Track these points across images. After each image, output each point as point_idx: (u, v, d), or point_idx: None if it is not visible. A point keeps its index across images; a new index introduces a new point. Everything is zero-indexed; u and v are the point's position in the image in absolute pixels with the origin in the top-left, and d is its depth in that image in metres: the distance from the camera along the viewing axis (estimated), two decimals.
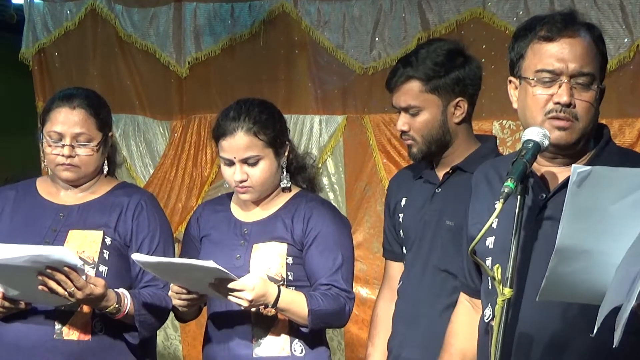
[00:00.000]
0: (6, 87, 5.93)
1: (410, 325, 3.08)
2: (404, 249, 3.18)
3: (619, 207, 1.88)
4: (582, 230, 1.91)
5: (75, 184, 3.19)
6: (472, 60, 3.10)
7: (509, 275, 2.18)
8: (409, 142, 3.09)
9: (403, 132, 3.09)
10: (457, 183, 3.04)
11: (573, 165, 1.88)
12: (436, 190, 3.08)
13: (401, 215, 3.18)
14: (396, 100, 3.08)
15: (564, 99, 2.31)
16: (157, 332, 3.31)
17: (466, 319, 2.62)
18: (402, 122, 3.07)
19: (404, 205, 3.17)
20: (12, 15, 5.80)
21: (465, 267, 2.61)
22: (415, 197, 3.14)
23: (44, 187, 3.24)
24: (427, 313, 3.04)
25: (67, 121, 3.11)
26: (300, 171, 3.26)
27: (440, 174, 3.10)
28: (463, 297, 2.66)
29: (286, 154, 3.17)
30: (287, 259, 3.08)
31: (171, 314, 3.24)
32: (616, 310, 1.88)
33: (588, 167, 1.85)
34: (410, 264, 3.14)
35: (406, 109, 3.06)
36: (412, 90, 3.03)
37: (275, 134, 3.11)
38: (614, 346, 1.87)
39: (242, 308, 2.95)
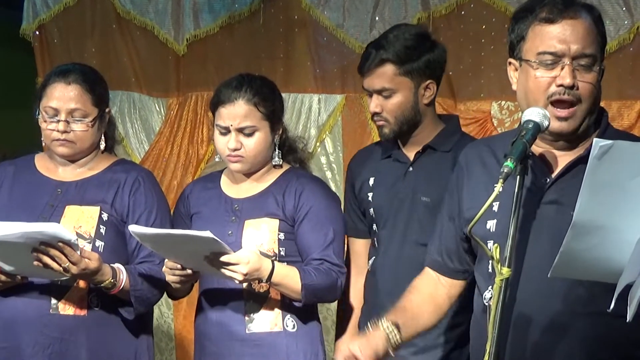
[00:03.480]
0: (6, 62, 5.91)
1: (393, 298, 3.12)
2: (374, 226, 3.30)
3: (637, 183, 1.87)
4: (599, 205, 1.91)
5: (71, 159, 3.19)
6: (438, 43, 3.27)
7: (508, 255, 2.18)
8: (381, 122, 3.23)
9: (375, 114, 3.23)
10: (428, 161, 3.22)
11: (595, 139, 1.86)
12: (408, 169, 3.22)
13: (370, 194, 3.31)
14: (369, 83, 3.22)
15: (567, 80, 2.31)
16: (152, 310, 3.32)
17: (430, 287, 2.65)
18: (375, 104, 3.22)
19: (372, 184, 3.31)
20: None
21: (441, 248, 2.63)
22: (385, 176, 3.28)
23: (42, 163, 3.25)
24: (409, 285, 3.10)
25: (62, 97, 3.11)
26: (292, 152, 3.31)
27: (410, 153, 3.25)
28: (428, 271, 2.68)
29: (280, 132, 3.20)
30: (278, 234, 3.12)
31: None
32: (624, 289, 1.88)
33: (610, 141, 1.85)
34: (386, 240, 3.26)
35: (379, 92, 3.20)
36: (386, 74, 3.18)
37: (274, 109, 3.16)
38: (627, 320, 1.88)
39: (236, 282, 2.96)
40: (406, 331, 2.52)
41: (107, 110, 3.23)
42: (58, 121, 3.11)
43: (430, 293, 2.64)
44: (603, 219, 1.92)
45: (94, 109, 3.16)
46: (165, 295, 3.29)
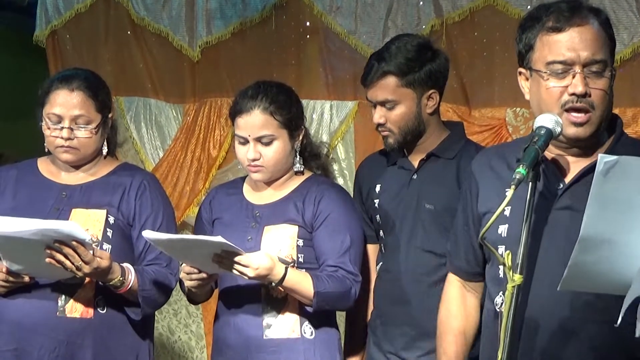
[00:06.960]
0: (19, 69, 5.92)
1: (397, 304, 3.25)
2: (381, 232, 3.34)
3: None
4: (607, 220, 1.91)
5: (75, 164, 3.19)
6: (440, 53, 3.31)
7: (520, 262, 2.17)
8: (386, 133, 3.28)
9: (380, 125, 3.26)
10: (432, 169, 3.25)
11: (600, 154, 1.87)
12: (413, 176, 3.26)
13: (377, 201, 3.35)
14: (372, 94, 3.26)
15: (579, 89, 2.30)
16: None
17: (460, 299, 2.67)
18: (379, 115, 3.25)
19: (379, 191, 3.35)
20: None
21: (461, 253, 2.63)
22: (391, 183, 3.33)
23: (45, 167, 3.25)
24: (415, 291, 3.21)
25: (65, 103, 3.11)
26: (314, 158, 3.31)
27: (414, 160, 3.29)
28: (453, 278, 2.69)
29: (300, 138, 3.21)
30: (297, 241, 3.11)
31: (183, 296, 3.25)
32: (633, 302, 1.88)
33: (615, 157, 1.85)
34: (391, 246, 3.29)
35: (382, 103, 3.24)
36: (388, 86, 3.21)
37: (291, 116, 3.15)
38: (636, 335, 1.87)
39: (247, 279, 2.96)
40: None
41: (110, 115, 3.23)
42: (62, 128, 3.11)
43: (465, 310, 2.67)
44: (611, 233, 1.92)
45: (98, 115, 3.15)
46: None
